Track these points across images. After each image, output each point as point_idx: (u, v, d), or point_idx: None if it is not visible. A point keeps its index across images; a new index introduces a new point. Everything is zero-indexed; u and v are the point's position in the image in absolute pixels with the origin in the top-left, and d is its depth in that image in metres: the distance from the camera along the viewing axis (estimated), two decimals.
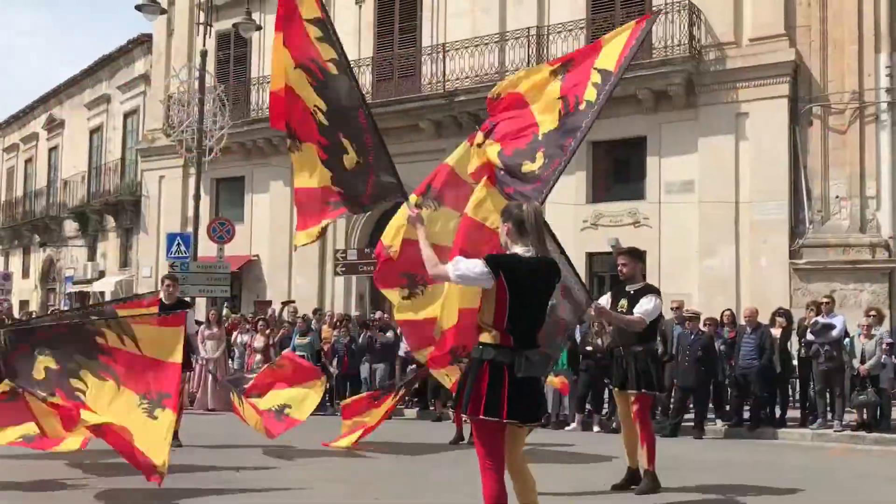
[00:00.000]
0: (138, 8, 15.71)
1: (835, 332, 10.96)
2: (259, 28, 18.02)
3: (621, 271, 6.95)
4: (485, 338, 4.10)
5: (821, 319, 11.08)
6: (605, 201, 16.60)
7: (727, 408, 11.94)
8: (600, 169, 16.93)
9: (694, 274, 15.44)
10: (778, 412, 11.62)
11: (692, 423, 11.20)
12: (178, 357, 6.38)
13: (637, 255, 7.06)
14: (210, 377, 13.43)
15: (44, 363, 6.07)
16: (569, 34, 16.60)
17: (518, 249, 4.17)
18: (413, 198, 6.59)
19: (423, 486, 7.19)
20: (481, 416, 3.97)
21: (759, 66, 15.07)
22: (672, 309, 12.57)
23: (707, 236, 15.36)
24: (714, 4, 15.57)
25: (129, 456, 5.95)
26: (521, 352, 4.03)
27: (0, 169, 37.76)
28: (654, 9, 15.88)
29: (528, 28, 17.01)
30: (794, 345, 11.88)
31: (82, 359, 6.18)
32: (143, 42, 25.10)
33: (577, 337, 12.92)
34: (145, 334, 6.36)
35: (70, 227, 29.13)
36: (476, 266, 4.09)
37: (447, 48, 17.98)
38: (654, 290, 6.75)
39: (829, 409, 11.18)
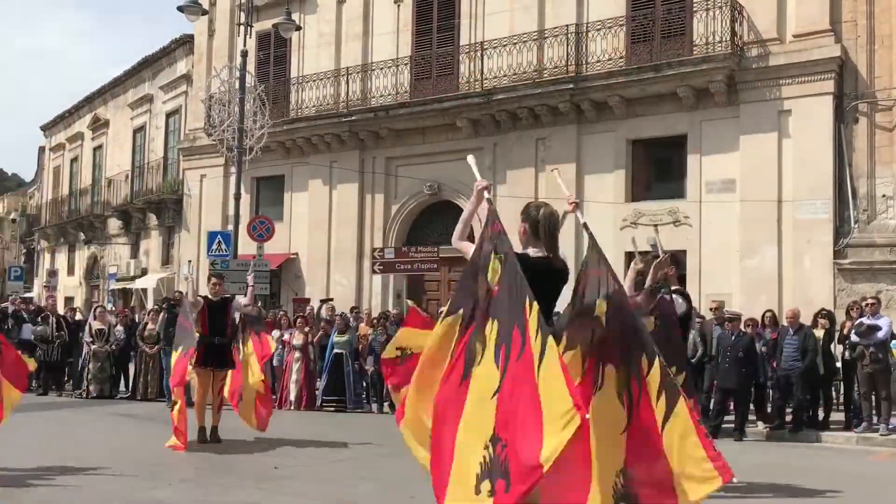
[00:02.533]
0: (180, 9, 15.93)
1: (880, 334, 10.73)
2: (299, 28, 18.16)
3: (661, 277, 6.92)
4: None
5: (866, 321, 10.85)
6: (645, 200, 16.44)
7: (769, 410, 11.76)
8: (640, 167, 16.77)
9: (735, 274, 15.22)
10: (821, 415, 11.42)
11: (733, 425, 11.04)
12: None
13: (673, 261, 7.00)
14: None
15: None
16: (608, 31, 16.46)
17: (530, 251, 4.23)
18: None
19: None
20: None
21: (804, 62, 14.79)
22: (711, 309, 12.42)
23: (749, 236, 15.13)
24: (756, 0, 15.32)
25: None
26: None
27: (47, 168, 38.57)
28: (694, 4, 15.69)
29: (567, 26, 16.90)
30: (838, 346, 11.66)
31: None
32: (184, 42, 25.45)
33: None
34: None
35: (114, 225, 29.65)
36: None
37: (485, 47, 17.95)
38: (681, 293, 6.75)
39: (874, 412, 10.94)
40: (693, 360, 11.42)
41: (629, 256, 16.43)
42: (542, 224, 4.18)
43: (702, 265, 15.53)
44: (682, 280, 7.07)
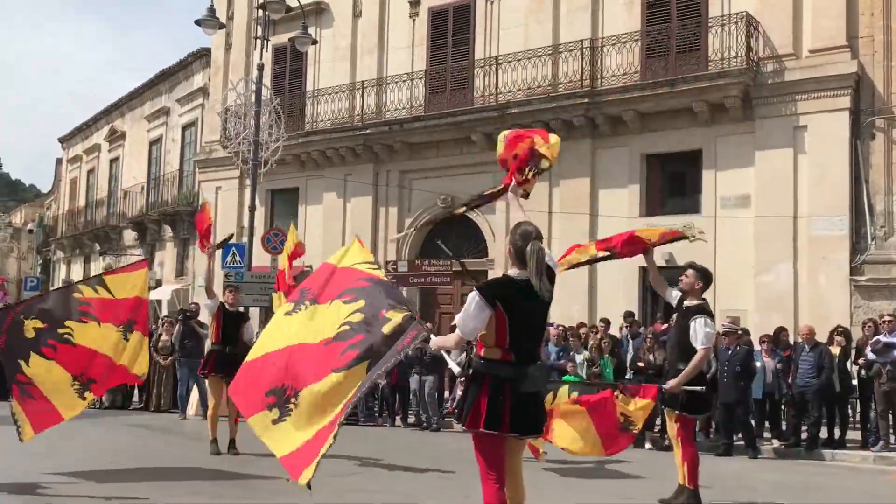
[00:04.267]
0: (198, 23, 16.07)
1: None
2: (315, 42, 18.27)
3: (679, 280, 6.89)
4: (486, 353, 4.16)
5: (883, 338, 10.76)
6: (660, 215, 16.35)
7: (784, 427, 11.66)
8: (654, 182, 16.73)
9: (750, 290, 15.13)
10: (837, 433, 11.31)
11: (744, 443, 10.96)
12: (143, 293, 7.86)
13: (703, 275, 6.90)
14: None
15: (31, 325, 7.11)
16: (623, 46, 16.47)
17: (512, 272, 4.23)
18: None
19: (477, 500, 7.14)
20: (481, 429, 4.02)
21: (820, 77, 14.75)
22: (723, 324, 12.35)
23: (764, 252, 15.04)
24: (772, 15, 15.31)
25: (119, 375, 7.69)
26: (522, 367, 4.10)
27: (64, 179, 38.91)
28: (710, 20, 15.70)
29: (582, 40, 16.93)
30: (854, 364, 11.56)
31: (63, 314, 7.31)
32: (202, 56, 25.67)
33: (630, 352, 12.81)
34: (114, 281, 7.70)
35: (129, 236, 29.85)
36: (472, 306, 4.10)
37: (500, 61, 18.00)
38: (705, 312, 6.64)
39: (891, 431, 10.83)
40: (707, 376, 11.36)
41: (643, 271, 16.43)
42: (528, 257, 4.14)
43: (716, 281, 15.39)
44: (705, 287, 6.98)
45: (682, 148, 16.19)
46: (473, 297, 4.11)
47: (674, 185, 16.81)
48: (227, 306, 9.64)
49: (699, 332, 6.48)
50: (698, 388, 6.44)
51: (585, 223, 16.80)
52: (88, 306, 7.42)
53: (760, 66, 15.33)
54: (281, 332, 5.31)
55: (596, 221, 16.82)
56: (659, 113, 16.20)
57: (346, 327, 4.85)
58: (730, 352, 11.14)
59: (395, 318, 4.69)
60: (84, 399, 7.37)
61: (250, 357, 5.40)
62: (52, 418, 7.12)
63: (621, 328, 13.94)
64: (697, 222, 15.73)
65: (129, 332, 7.60)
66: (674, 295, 7.01)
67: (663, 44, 16.33)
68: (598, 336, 13.22)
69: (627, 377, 12.80)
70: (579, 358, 12.98)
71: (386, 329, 4.68)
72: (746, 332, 12.25)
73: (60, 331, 7.18)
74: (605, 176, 16.94)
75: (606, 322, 14.03)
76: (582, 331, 13.79)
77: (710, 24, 15.69)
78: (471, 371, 4.31)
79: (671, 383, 6.47)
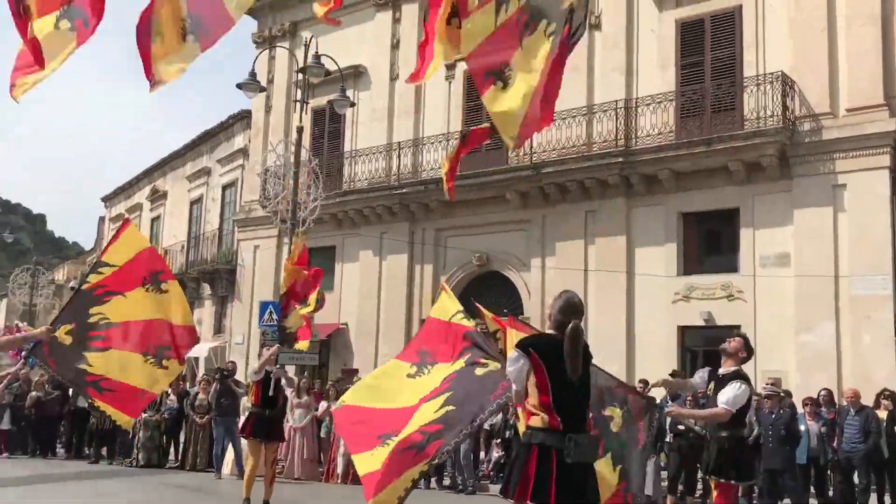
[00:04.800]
0: (239, 86, 16.49)
1: None
2: (352, 104, 18.63)
3: (726, 341, 6.69)
4: (533, 422, 4.12)
5: None
6: (698, 273, 16.24)
7: (830, 493, 11.30)
8: (692, 240, 16.63)
9: (791, 350, 14.84)
10: (888, 500, 10.93)
11: None
12: (144, 244, 7.45)
13: (748, 348, 6.74)
14: (298, 446, 13.55)
15: (62, 332, 6.84)
16: (657, 106, 16.57)
17: (551, 332, 4.28)
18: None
19: None
20: (528, 502, 3.97)
21: (857, 136, 14.67)
22: (764, 386, 12.11)
23: (804, 311, 14.79)
24: (808, 75, 15.32)
25: (182, 333, 7.14)
26: (569, 436, 4.02)
27: (106, 237, 39.75)
28: (745, 79, 15.76)
29: (616, 101, 17.07)
30: None
31: (84, 306, 6.99)
32: (242, 118, 26.28)
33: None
34: (111, 256, 7.18)
35: None
36: (511, 358, 4.21)
37: None
38: (742, 377, 6.49)
39: None
40: (749, 440, 11.09)
41: (682, 331, 16.26)
42: (566, 338, 4.14)
43: (757, 341, 15.14)
44: (747, 358, 6.80)
45: (718, 206, 16.12)
46: (512, 354, 4.20)
47: (711, 243, 16.69)
48: (267, 369, 9.67)
49: (728, 392, 6.30)
50: (696, 428, 6.26)
51: (622, 281, 16.70)
52: (103, 287, 7.15)
53: (797, 124, 15.29)
54: (402, 392, 5.56)
55: (633, 280, 16.72)
56: (695, 172, 16.19)
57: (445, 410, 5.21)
58: (773, 415, 10.87)
59: (492, 365, 5.19)
60: (165, 368, 7.11)
61: (359, 402, 5.74)
62: (141, 397, 6.98)
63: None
64: (735, 281, 15.65)
65: (158, 286, 7.19)
66: (697, 379, 6.88)
67: (698, 103, 16.40)
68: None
69: (667, 440, 12.55)
70: None
71: (479, 371, 5.15)
72: (788, 394, 11.99)
73: (92, 320, 6.96)
74: (642, 234, 16.88)
75: (645, 383, 13.80)
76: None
77: (745, 84, 15.74)
78: (520, 442, 4.31)
79: (677, 409, 6.31)
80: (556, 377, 4.06)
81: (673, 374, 14.01)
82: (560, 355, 4.09)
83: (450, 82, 20.31)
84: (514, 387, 4.27)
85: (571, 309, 4.18)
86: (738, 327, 15.09)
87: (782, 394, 11.53)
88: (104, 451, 15.86)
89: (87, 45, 5.23)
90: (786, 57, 15.56)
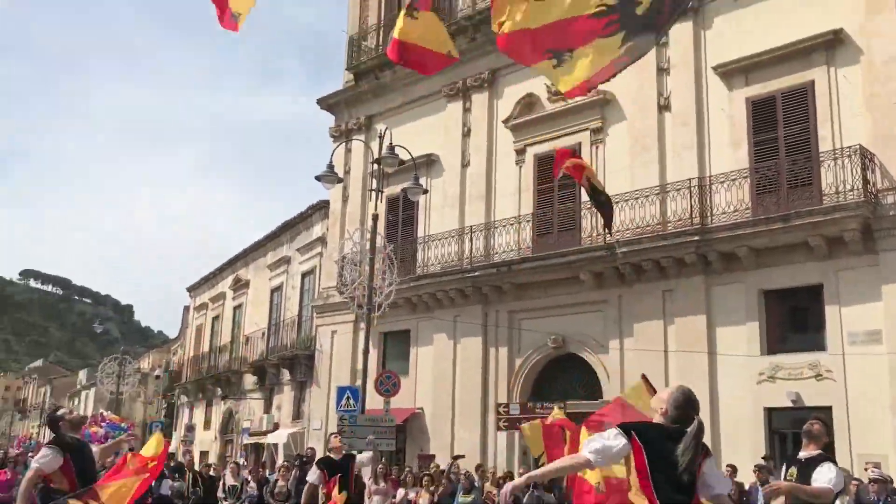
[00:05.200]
0: (318, 178, 17.09)
1: None
2: (425, 191, 19.05)
3: (810, 424, 6.37)
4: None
5: None
6: (782, 353, 15.71)
7: None
8: (774, 319, 16.14)
9: (889, 431, 14.07)
10: None
11: None
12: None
13: (828, 432, 6.42)
14: None
15: None
16: (732, 183, 16.42)
17: (662, 422, 4.03)
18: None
19: None
20: None
21: None
22: (866, 470, 11.51)
23: None
24: (888, 147, 14.98)
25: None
26: None
27: (190, 326, 40.92)
28: (821, 154, 15.53)
29: (690, 179, 17.00)
30: None
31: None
32: (320, 208, 27.12)
33: (760, 501, 12.03)
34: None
35: (249, 380, 30.77)
36: (608, 431, 4.00)
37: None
38: (830, 459, 6.18)
39: None
40: None
41: (768, 413, 15.64)
42: (686, 436, 3.89)
43: (850, 422, 14.48)
44: (828, 444, 6.42)
45: (800, 283, 15.69)
46: (610, 431, 3.99)
47: (795, 321, 16.17)
48: (332, 456, 9.67)
49: (828, 472, 5.92)
50: None
51: (704, 362, 16.28)
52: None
53: (880, 198, 14.91)
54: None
55: (714, 360, 16.27)
56: (774, 248, 15.85)
57: None
58: (880, 502, 10.27)
59: None
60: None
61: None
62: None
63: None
64: (823, 359, 15.07)
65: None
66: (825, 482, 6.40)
67: (773, 179, 16.18)
68: None
69: None
70: None
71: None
72: (891, 480, 11.33)
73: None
74: (722, 313, 16.50)
75: (732, 468, 13.29)
76: None
77: (821, 159, 15.50)
78: None
79: (778, 483, 5.91)
80: (658, 465, 3.84)
81: (765, 459, 13.46)
82: (663, 440, 3.88)
83: (520, 167, 20.60)
84: (592, 456, 3.96)
85: (689, 404, 3.96)
86: (829, 408, 14.48)
87: (889, 478, 10.91)
88: None
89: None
90: (863, 130, 15.30)
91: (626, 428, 3.95)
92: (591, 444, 4.03)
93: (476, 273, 20.11)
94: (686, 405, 3.97)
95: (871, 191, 14.90)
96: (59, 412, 7.14)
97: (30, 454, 23.64)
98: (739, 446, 15.17)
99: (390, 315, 19.39)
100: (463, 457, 17.66)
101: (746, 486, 12.86)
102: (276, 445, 26.32)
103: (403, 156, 17.33)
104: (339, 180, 18.89)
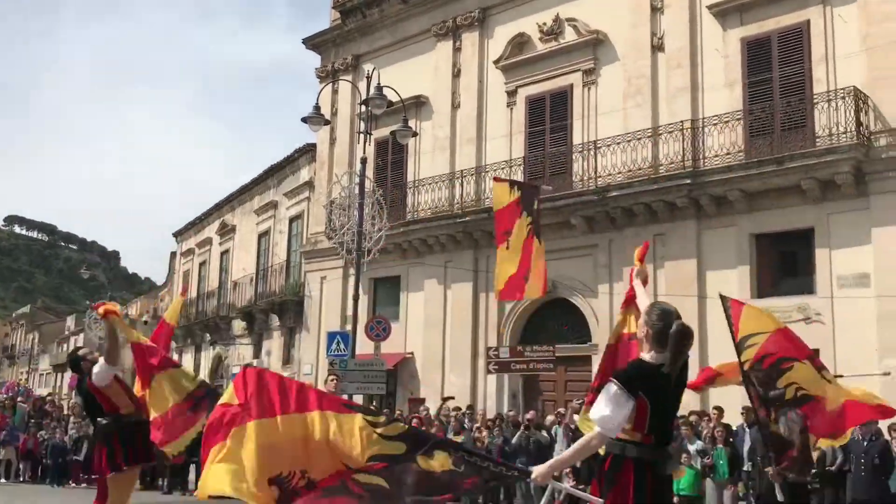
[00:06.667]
0: (304, 120, 16.79)
1: None
2: (415, 134, 18.79)
3: None
4: (623, 433, 3.95)
5: None
6: (773, 296, 15.74)
7: None
8: (765, 262, 16.15)
9: (875, 375, 14.19)
10: None
11: None
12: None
13: None
14: None
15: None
16: (725, 126, 16.25)
17: (647, 356, 4.07)
18: None
19: None
20: None
21: None
22: None
23: (888, 334, 14.17)
24: (883, 89, 14.82)
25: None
26: (661, 449, 3.99)
27: (177, 272, 40.76)
28: (815, 95, 15.35)
29: (682, 121, 16.80)
30: None
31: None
32: (307, 151, 26.76)
33: (747, 442, 12.16)
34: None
35: (238, 326, 30.77)
36: (612, 400, 3.87)
37: (598, 145, 18.01)
38: None
39: None
40: (833, 469, 10.64)
41: None
42: (671, 339, 3.97)
43: (837, 365, 14.56)
44: None
45: (792, 226, 15.65)
46: (612, 389, 3.87)
47: (786, 264, 16.19)
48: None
49: None
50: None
51: (694, 305, 16.29)
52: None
53: (873, 140, 14.79)
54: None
55: (705, 304, 16.28)
56: (766, 191, 15.77)
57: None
58: (865, 443, 10.36)
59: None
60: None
61: None
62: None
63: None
64: (813, 303, 15.11)
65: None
66: None
67: (767, 122, 16.02)
68: (712, 425, 12.62)
69: (746, 469, 12.14)
70: (692, 448, 12.40)
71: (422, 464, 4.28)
72: (876, 422, 11.43)
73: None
74: (713, 257, 16.48)
75: (720, 410, 13.39)
76: (693, 419, 13.19)
77: (815, 101, 15.32)
78: (606, 454, 4.07)
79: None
80: (657, 407, 3.95)
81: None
82: (662, 383, 3.96)
83: (511, 109, 20.31)
84: (601, 428, 3.90)
85: (671, 315, 4.03)
86: (818, 351, 14.54)
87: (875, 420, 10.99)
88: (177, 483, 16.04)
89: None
90: (858, 72, 15.10)
91: (632, 389, 3.89)
92: (597, 416, 3.92)
93: (467, 218, 19.96)
94: (668, 316, 4.03)
95: (865, 133, 14.78)
96: (81, 352, 7.51)
97: (19, 399, 23.70)
98: (727, 388, 15.25)
99: (380, 261, 19.28)
100: (452, 398, 17.77)
101: (734, 427, 12.98)
102: None
103: (392, 97, 17.03)
104: (327, 122, 18.57)
